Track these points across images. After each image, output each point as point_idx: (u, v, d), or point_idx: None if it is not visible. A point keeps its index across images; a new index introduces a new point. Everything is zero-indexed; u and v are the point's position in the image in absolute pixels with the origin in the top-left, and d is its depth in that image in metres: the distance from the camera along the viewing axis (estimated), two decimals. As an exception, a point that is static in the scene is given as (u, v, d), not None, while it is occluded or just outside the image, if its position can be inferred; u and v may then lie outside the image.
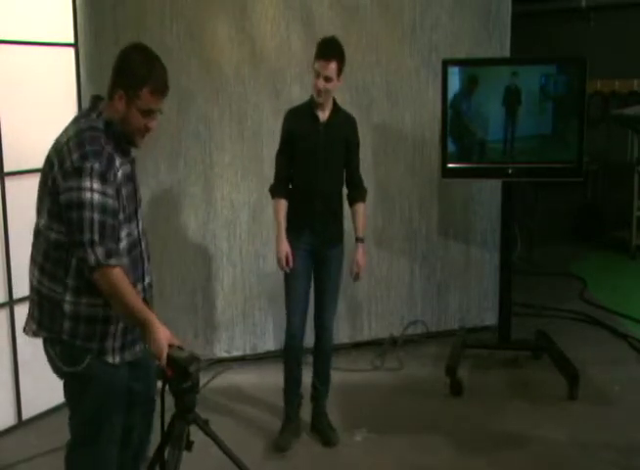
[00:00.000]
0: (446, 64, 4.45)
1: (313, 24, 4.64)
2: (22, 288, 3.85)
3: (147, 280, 2.58)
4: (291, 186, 3.70)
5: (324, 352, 3.83)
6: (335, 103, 3.67)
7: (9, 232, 3.77)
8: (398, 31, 4.88)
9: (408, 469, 3.60)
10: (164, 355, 2.35)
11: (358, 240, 3.75)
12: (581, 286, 6.52)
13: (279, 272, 4.73)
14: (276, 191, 3.70)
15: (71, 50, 4.05)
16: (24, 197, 3.82)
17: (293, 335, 3.73)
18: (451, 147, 4.49)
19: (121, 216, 2.40)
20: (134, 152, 2.53)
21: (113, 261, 2.31)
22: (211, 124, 4.52)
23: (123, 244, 2.43)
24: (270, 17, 4.56)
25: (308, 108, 3.64)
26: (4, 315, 3.81)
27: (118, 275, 2.33)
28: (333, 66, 3.49)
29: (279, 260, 3.65)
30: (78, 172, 2.28)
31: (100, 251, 2.30)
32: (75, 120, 2.48)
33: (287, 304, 3.76)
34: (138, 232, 2.52)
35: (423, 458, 3.65)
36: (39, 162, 3.89)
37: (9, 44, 3.73)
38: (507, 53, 5.12)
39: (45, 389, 4.03)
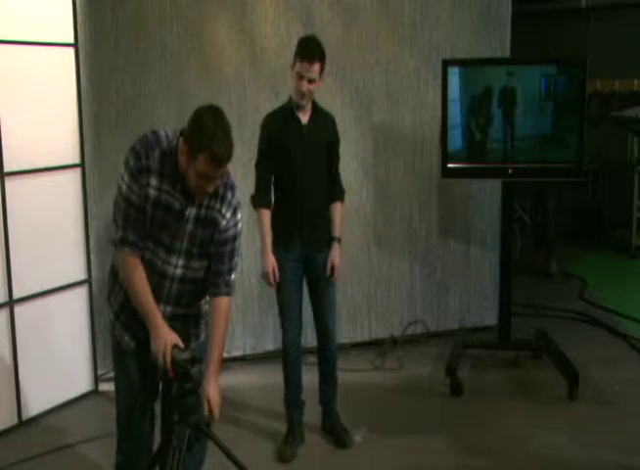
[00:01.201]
0: (446, 64, 4.45)
1: (313, 25, 4.64)
2: (22, 288, 3.86)
3: (167, 308, 2.57)
4: (275, 195, 3.61)
5: (329, 355, 3.79)
6: (314, 103, 3.60)
7: (9, 232, 3.76)
8: (398, 31, 4.89)
9: (408, 469, 3.60)
10: (163, 356, 2.36)
11: (334, 239, 3.68)
12: (581, 286, 6.52)
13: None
14: (258, 201, 3.58)
15: (71, 50, 4.05)
16: (24, 197, 3.84)
17: (291, 344, 3.70)
18: (451, 147, 4.49)
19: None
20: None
21: (126, 250, 2.43)
22: (211, 124, 4.51)
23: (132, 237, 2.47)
24: (270, 17, 4.57)
25: (288, 111, 3.56)
26: (4, 315, 3.80)
27: (130, 264, 2.44)
28: (316, 67, 3.43)
29: (266, 275, 3.54)
30: (124, 162, 2.42)
31: (119, 235, 2.45)
32: (170, 130, 2.51)
33: (281, 315, 3.70)
34: (162, 265, 2.49)
35: (422, 458, 3.65)
36: (39, 162, 3.94)
37: (9, 44, 3.74)
38: (507, 53, 5.13)
39: (45, 389, 4.04)
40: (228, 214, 2.53)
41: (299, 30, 4.62)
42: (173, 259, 2.50)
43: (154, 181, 2.39)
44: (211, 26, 4.47)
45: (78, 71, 4.10)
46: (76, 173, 4.15)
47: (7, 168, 3.74)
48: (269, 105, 4.61)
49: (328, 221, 3.70)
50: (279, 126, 3.57)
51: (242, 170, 4.63)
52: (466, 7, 5.01)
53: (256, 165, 3.65)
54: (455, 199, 5.19)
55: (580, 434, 3.85)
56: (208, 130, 2.28)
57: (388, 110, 4.92)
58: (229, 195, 2.53)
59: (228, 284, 2.58)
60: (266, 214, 3.57)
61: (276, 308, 4.79)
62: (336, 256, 3.67)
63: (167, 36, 4.38)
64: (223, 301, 2.57)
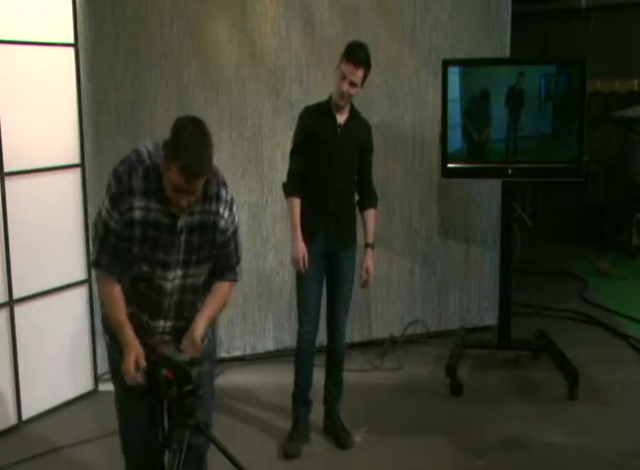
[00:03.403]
0: (446, 64, 4.45)
1: (313, 24, 4.64)
2: (22, 288, 3.86)
3: (167, 323, 2.54)
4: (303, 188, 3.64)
5: (337, 354, 3.79)
6: (352, 107, 3.63)
7: (9, 232, 3.76)
8: (398, 31, 4.88)
9: (408, 469, 3.60)
10: (131, 375, 2.41)
11: (368, 246, 3.71)
12: (581, 286, 6.53)
13: (279, 273, 4.76)
14: (290, 189, 3.63)
15: (71, 50, 4.05)
16: (24, 197, 3.84)
17: (305, 339, 3.69)
18: (451, 147, 4.49)
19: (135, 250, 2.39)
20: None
21: (101, 273, 2.47)
22: (211, 124, 4.47)
23: (130, 274, 2.46)
24: (270, 17, 4.57)
25: (327, 108, 3.59)
26: (4, 315, 3.80)
27: (106, 285, 2.47)
28: (360, 73, 3.46)
29: (296, 261, 3.56)
30: (107, 186, 2.39)
31: (94, 257, 2.48)
32: (154, 143, 2.43)
33: (299, 307, 3.70)
34: (159, 281, 2.45)
35: (422, 458, 3.65)
36: (39, 162, 3.94)
37: (9, 44, 3.73)
38: (507, 53, 5.12)
39: (45, 389, 4.04)
40: (226, 213, 2.47)
41: (299, 30, 4.63)
42: (170, 274, 2.45)
43: (138, 202, 2.33)
44: (211, 26, 4.47)
45: (78, 71, 4.09)
46: (76, 173, 4.15)
47: (7, 168, 3.73)
48: (269, 104, 4.63)
49: (353, 222, 3.72)
50: (315, 120, 3.60)
51: (241, 170, 4.65)
52: (466, 7, 5.01)
53: (291, 154, 3.68)
54: (455, 199, 5.19)
55: (580, 434, 3.85)
56: (183, 141, 2.24)
57: (388, 110, 4.92)
58: (223, 192, 2.46)
59: (235, 272, 2.62)
60: (297, 203, 3.60)
61: (276, 308, 4.82)
62: (370, 262, 3.70)
63: (167, 36, 4.38)
64: (225, 283, 2.60)
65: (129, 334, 2.45)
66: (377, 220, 3.79)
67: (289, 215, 3.67)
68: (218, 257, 2.53)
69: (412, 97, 4.97)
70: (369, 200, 3.75)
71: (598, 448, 3.69)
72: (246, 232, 4.71)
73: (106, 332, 2.61)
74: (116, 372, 2.55)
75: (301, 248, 3.56)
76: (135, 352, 2.42)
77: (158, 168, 2.33)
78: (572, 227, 8.27)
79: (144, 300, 2.48)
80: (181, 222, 2.39)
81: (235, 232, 2.56)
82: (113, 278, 2.45)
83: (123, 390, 2.55)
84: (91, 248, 2.53)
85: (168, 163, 2.26)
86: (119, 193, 2.33)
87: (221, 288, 2.60)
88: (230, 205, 2.49)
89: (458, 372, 4.41)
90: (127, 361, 2.41)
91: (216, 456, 2.59)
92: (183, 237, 2.41)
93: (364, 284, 3.76)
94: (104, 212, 2.38)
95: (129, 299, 2.48)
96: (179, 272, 2.46)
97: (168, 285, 2.46)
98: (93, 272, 4.15)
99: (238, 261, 2.62)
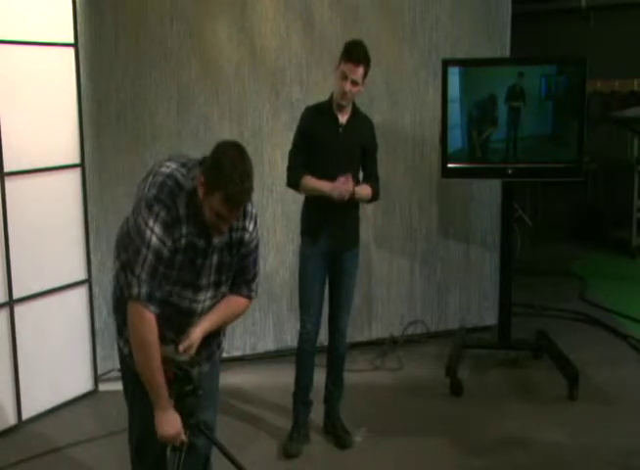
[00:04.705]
0: (446, 64, 4.44)
1: (313, 24, 4.65)
2: (22, 288, 3.86)
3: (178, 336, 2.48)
4: None
5: (338, 355, 3.80)
6: (354, 105, 3.62)
7: (9, 232, 3.76)
8: (398, 31, 4.88)
9: (408, 469, 3.60)
10: (169, 440, 2.34)
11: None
12: (581, 286, 6.53)
13: (279, 273, 4.76)
14: (296, 177, 3.57)
15: (71, 50, 4.05)
16: (24, 197, 3.84)
17: (307, 339, 3.69)
18: (451, 147, 4.49)
19: (173, 276, 2.35)
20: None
21: (151, 308, 2.29)
22: (211, 124, 4.52)
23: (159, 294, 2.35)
24: (270, 17, 4.57)
25: (329, 108, 3.58)
26: (4, 315, 3.80)
27: (150, 322, 2.29)
28: (361, 70, 3.46)
29: (343, 182, 3.45)
30: (148, 208, 2.27)
31: (145, 290, 2.27)
32: (181, 164, 2.36)
33: (301, 307, 3.70)
34: (190, 305, 2.40)
35: (422, 458, 3.65)
36: (39, 162, 3.94)
37: (9, 44, 3.74)
38: (507, 53, 5.12)
39: (45, 389, 4.04)
40: (251, 226, 2.44)
41: (299, 30, 4.63)
42: (201, 296, 2.42)
43: (184, 229, 2.28)
44: (211, 26, 4.47)
45: (78, 71, 4.10)
46: (76, 173, 4.15)
47: (7, 168, 3.74)
48: (269, 105, 4.63)
49: (356, 222, 3.72)
50: (316, 120, 3.59)
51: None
52: (466, 7, 5.01)
53: (291, 151, 3.66)
54: (455, 199, 5.19)
55: (580, 434, 3.86)
56: (227, 170, 2.19)
57: (388, 110, 4.92)
58: (249, 207, 2.43)
59: (250, 288, 2.53)
60: (307, 177, 3.53)
61: (276, 308, 4.82)
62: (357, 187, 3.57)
63: (167, 36, 4.38)
64: (237, 298, 2.51)
65: (167, 406, 2.33)
66: (369, 194, 3.65)
67: (310, 191, 3.58)
68: (236, 269, 2.47)
69: (412, 97, 4.97)
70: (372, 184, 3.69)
71: (598, 448, 3.69)
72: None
73: (121, 336, 2.49)
74: (133, 382, 2.51)
75: (331, 184, 3.46)
76: (176, 429, 2.33)
77: (196, 193, 2.28)
78: (572, 227, 8.27)
79: (172, 321, 2.39)
80: (214, 243, 2.37)
81: (256, 246, 2.51)
82: (154, 316, 2.28)
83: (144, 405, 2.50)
84: (130, 278, 2.27)
85: (211, 190, 2.22)
86: (172, 220, 2.26)
87: (231, 301, 2.51)
88: (255, 219, 2.47)
89: (458, 372, 4.41)
90: (170, 434, 2.33)
91: (217, 457, 2.59)
92: (215, 258, 2.39)
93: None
94: (154, 240, 2.25)
95: (157, 320, 2.33)
96: (209, 293, 2.44)
97: (199, 306, 2.43)
98: (94, 273, 4.22)
99: (254, 277, 2.53)
